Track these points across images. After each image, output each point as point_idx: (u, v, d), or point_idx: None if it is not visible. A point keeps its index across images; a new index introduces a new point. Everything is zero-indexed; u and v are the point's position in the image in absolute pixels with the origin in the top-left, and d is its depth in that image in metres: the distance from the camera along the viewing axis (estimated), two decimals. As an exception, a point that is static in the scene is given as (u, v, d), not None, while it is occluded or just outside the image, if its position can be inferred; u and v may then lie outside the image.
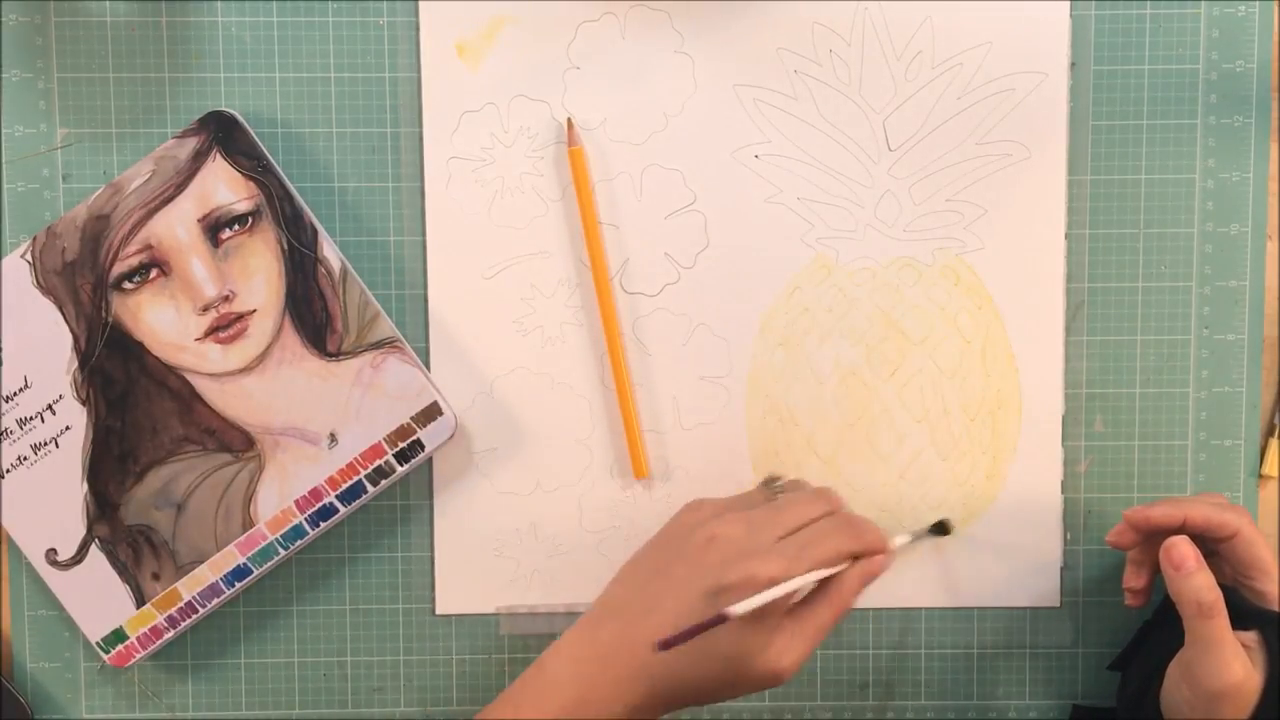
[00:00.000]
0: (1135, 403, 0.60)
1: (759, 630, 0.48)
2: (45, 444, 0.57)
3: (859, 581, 0.50)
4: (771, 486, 0.55)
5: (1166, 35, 0.58)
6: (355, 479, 0.58)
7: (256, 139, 0.57)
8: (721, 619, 0.45)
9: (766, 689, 0.50)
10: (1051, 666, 0.61)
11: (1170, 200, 0.59)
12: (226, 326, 0.57)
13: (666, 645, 0.45)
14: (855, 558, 0.50)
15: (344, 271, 0.57)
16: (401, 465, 0.58)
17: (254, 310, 0.57)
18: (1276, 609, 0.53)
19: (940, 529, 0.59)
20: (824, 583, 0.49)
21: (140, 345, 0.57)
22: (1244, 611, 0.52)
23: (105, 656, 0.58)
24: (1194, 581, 0.51)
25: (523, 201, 0.59)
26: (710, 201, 0.59)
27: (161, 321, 0.57)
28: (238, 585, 0.58)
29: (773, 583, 0.47)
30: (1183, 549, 0.52)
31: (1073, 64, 0.59)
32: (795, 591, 0.48)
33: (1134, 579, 0.57)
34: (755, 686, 0.49)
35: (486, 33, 0.58)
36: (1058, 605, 0.61)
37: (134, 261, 0.57)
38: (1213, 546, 0.54)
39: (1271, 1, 0.59)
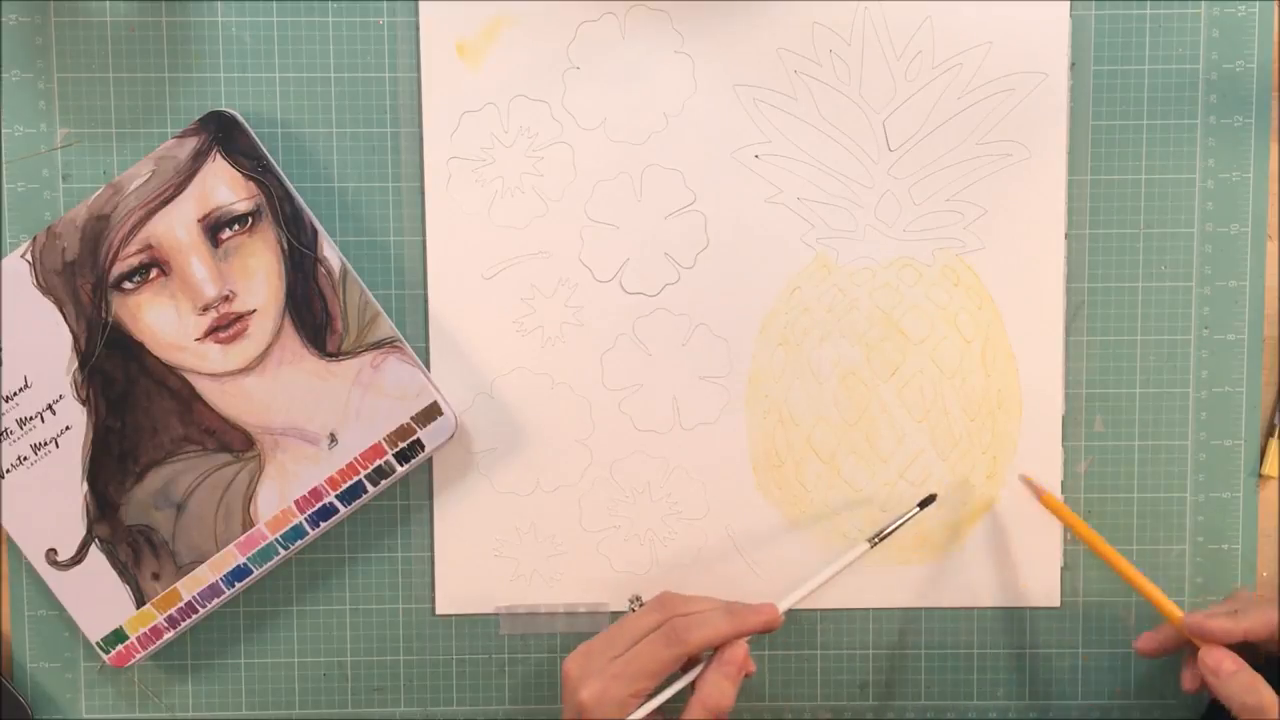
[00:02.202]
0: (1135, 403, 0.60)
1: None
2: (45, 444, 0.57)
3: (717, 673, 0.51)
4: (631, 606, 0.57)
5: (1166, 35, 0.58)
6: (355, 479, 0.58)
7: (256, 139, 0.57)
8: None
9: None
10: (1051, 666, 0.61)
11: (1170, 200, 0.59)
12: (226, 326, 0.57)
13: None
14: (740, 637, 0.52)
15: (344, 271, 0.57)
16: (401, 465, 0.58)
17: (254, 310, 0.57)
18: None
19: (927, 501, 0.59)
20: (695, 685, 0.52)
21: (140, 345, 0.57)
22: None
23: (105, 656, 0.58)
24: (1236, 683, 0.51)
25: (523, 201, 0.59)
26: (710, 201, 0.59)
27: (161, 321, 0.57)
28: (238, 585, 0.58)
29: (595, 700, 0.50)
30: (1211, 660, 0.52)
31: (1073, 64, 0.59)
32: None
33: (1190, 681, 0.55)
34: None
35: (486, 33, 0.58)
36: (1058, 605, 0.61)
37: (134, 261, 0.57)
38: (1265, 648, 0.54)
39: (1271, 1, 0.59)
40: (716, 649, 0.53)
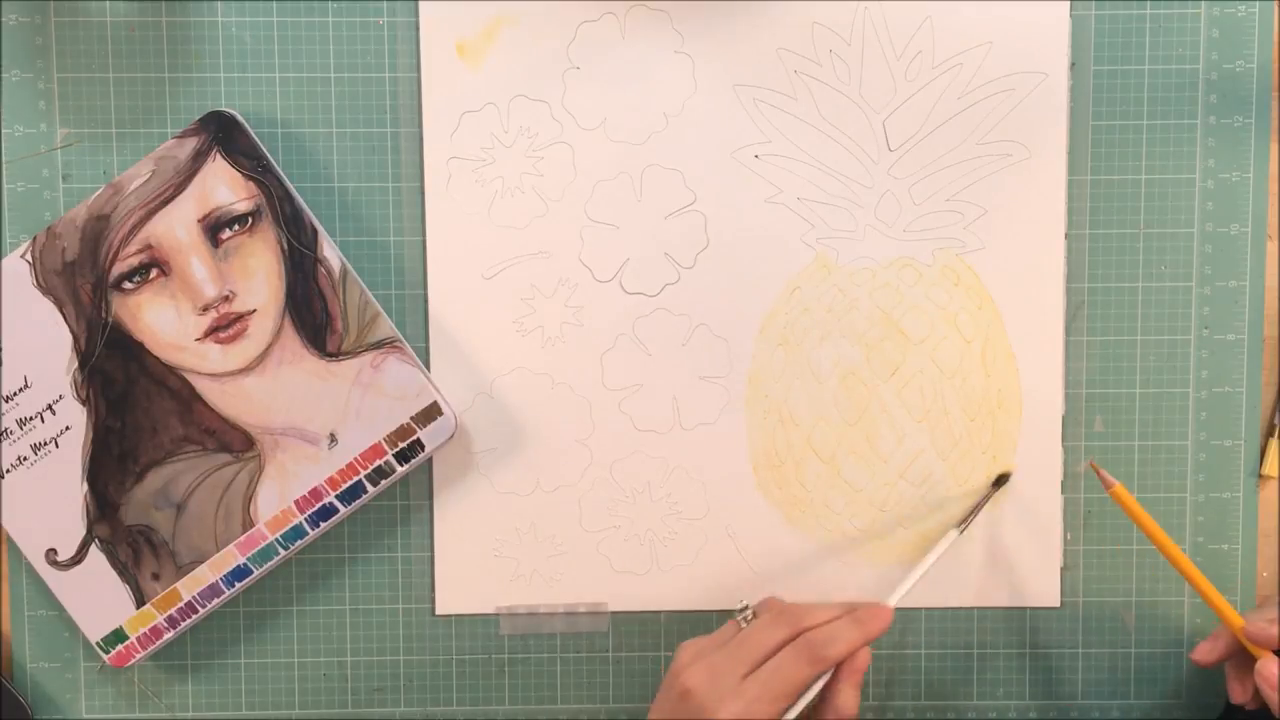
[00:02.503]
0: (1135, 403, 0.60)
1: None
2: (45, 444, 0.57)
3: (850, 684, 0.51)
4: (739, 617, 0.54)
5: (1166, 35, 0.58)
6: (355, 479, 0.58)
7: (256, 139, 0.57)
8: None
9: None
10: (1051, 666, 0.61)
11: (1170, 200, 0.59)
12: (226, 326, 0.57)
13: None
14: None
15: (344, 271, 0.57)
16: (401, 465, 0.58)
17: (254, 310, 0.57)
18: None
19: (1001, 480, 0.59)
20: (825, 695, 0.51)
21: (140, 345, 0.57)
22: None
23: (105, 656, 0.58)
24: None
25: (523, 201, 0.59)
26: (710, 201, 0.59)
27: (161, 321, 0.57)
28: (238, 585, 0.58)
29: None
30: (1270, 671, 0.51)
31: (1073, 64, 0.59)
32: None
33: (1240, 693, 0.55)
34: None
35: (486, 33, 0.58)
36: (1058, 605, 0.61)
37: (134, 261, 0.57)
38: None
39: (1271, 1, 0.59)
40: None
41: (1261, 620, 0.53)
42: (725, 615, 0.60)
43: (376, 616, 0.60)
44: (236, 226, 0.57)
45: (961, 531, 0.58)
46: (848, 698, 0.51)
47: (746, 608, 0.54)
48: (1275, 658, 0.52)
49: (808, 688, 0.50)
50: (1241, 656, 0.55)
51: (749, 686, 0.49)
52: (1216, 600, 0.54)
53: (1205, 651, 0.55)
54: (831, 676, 0.51)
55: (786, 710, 0.50)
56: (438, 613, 0.60)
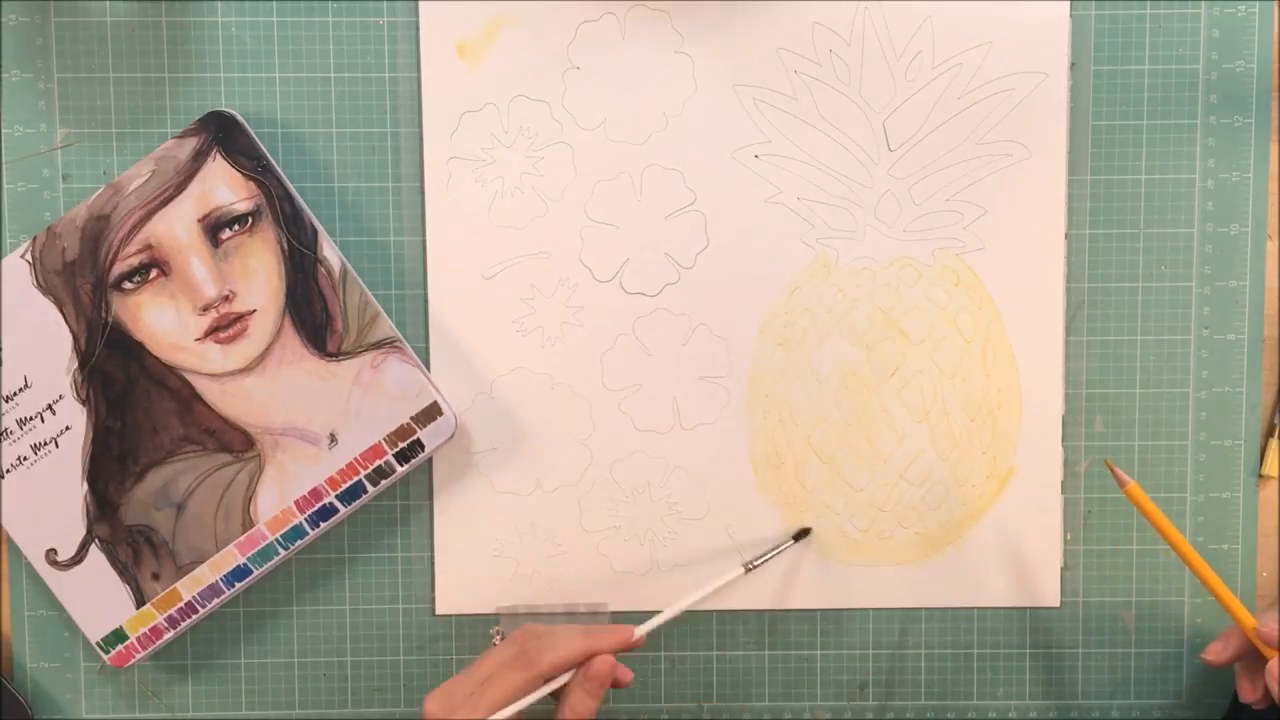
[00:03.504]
0: (1135, 403, 0.60)
1: None
2: (45, 444, 0.57)
3: (581, 689, 0.52)
4: (493, 638, 0.57)
5: (1166, 35, 0.58)
6: (355, 479, 0.58)
7: (256, 139, 0.57)
8: None
9: None
10: (1051, 666, 0.61)
11: (1170, 200, 0.59)
12: (226, 326, 0.57)
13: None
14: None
15: (344, 271, 0.57)
16: (401, 465, 0.58)
17: (254, 310, 0.57)
18: None
19: (802, 534, 0.60)
20: (559, 698, 0.53)
21: (140, 345, 0.57)
22: None
23: (105, 656, 0.58)
24: None
25: (523, 201, 0.59)
26: (710, 201, 0.59)
27: (161, 321, 0.57)
28: (238, 585, 0.58)
29: None
30: None
31: (1073, 64, 0.59)
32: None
33: (1250, 693, 0.55)
34: None
35: (486, 33, 0.58)
36: (1058, 605, 0.61)
37: (134, 261, 0.57)
38: None
39: (1271, 1, 0.59)
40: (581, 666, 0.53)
41: (1273, 621, 0.54)
42: (725, 615, 0.61)
43: (376, 616, 0.60)
44: (236, 226, 0.57)
45: (747, 571, 0.58)
46: (578, 700, 0.52)
47: (498, 632, 0.56)
48: None
49: (526, 695, 0.52)
50: (1252, 657, 0.55)
51: (470, 700, 0.51)
52: (1229, 600, 0.54)
53: (1216, 652, 0.56)
54: (570, 681, 0.53)
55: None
56: (438, 613, 0.60)
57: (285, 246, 0.57)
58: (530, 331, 0.59)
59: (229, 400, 0.57)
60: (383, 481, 0.58)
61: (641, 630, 0.54)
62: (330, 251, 0.57)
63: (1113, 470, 0.55)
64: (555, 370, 0.59)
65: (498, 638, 0.56)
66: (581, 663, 0.53)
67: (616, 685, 0.54)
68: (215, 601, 0.58)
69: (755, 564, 0.58)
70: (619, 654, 0.53)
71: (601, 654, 0.53)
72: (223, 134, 0.56)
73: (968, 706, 0.61)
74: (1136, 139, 0.59)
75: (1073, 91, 0.59)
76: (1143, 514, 0.55)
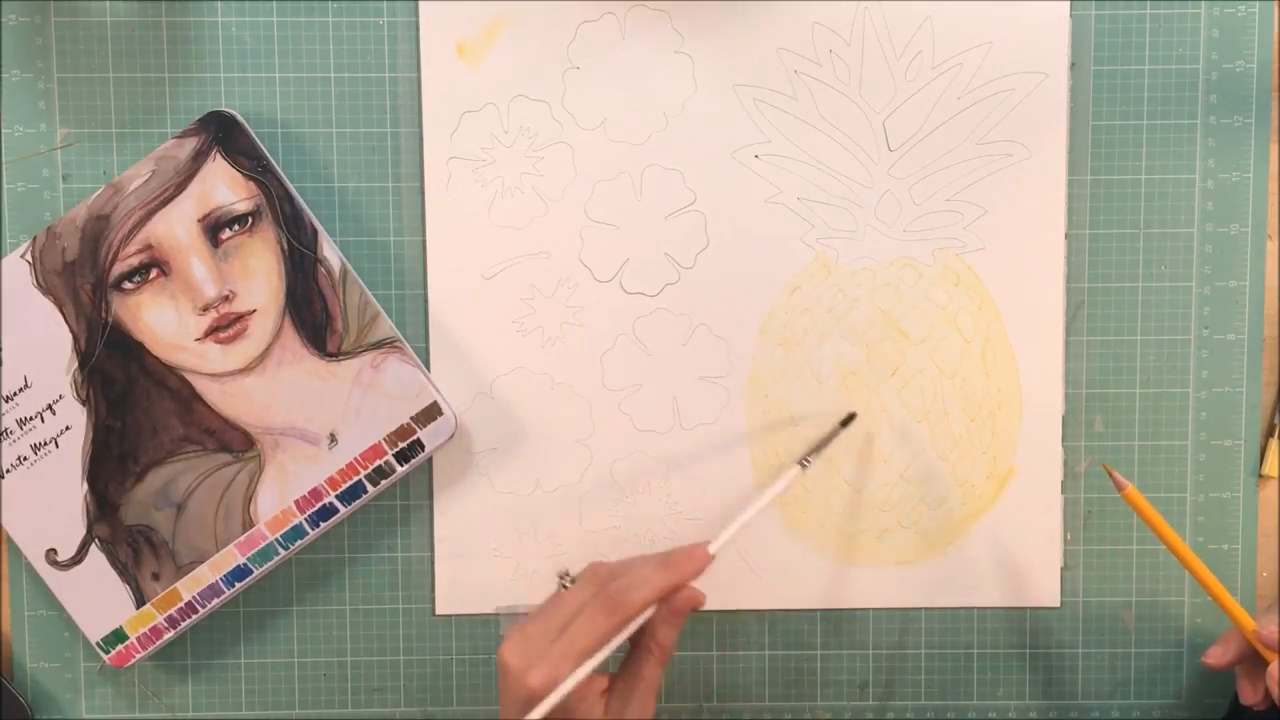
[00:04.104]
0: (1135, 403, 0.60)
1: (581, 714, 0.50)
2: (45, 444, 0.57)
3: (666, 625, 0.51)
4: (561, 582, 0.54)
5: (1166, 35, 0.58)
6: (355, 479, 0.58)
7: (256, 139, 0.57)
8: None
9: None
10: (1051, 666, 0.61)
11: (1170, 200, 0.59)
12: (226, 326, 0.57)
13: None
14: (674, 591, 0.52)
15: (344, 271, 0.57)
16: (401, 465, 0.58)
17: (254, 310, 0.57)
18: None
19: (848, 420, 0.59)
20: (641, 633, 0.51)
21: (140, 345, 0.57)
22: None
23: (105, 656, 0.58)
24: None
25: (523, 201, 0.59)
26: (710, 201, 0.59)
27: (161, 321, 0.57)
28: (238, 585, 0.58)
29: (546, 686, 0.49)
30: None
31: (1073, 64, 0.59)
32: (611, 659, 0.51)
33: (1250, 695, 0.55)
34: None
35: (486, 33, 0.58)
36: (1058, 605, 0.61)
37: (134, 261, 0.57)
38: None
39: (1271, 1, 0.59)
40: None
41: (1273, 624, 0.54)
42: (725, 615, 0.61)
43: (376, 616, 0.60)
44: (236, 226, 0.57)
45: (804, 468, 0.57)
46: (665, 635, 0.51)
47: (567, 574, 0.54)
48: None
49: (614, 638, 0.50)
50: (1252, 659, 0.55)
51: (555, 648, 0.50)
52: (1229, 603, 0.54)
53: (1216, 655, 0.55)
54: (654, 616, 0.51)
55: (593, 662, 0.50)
56: (438, 613, 0.60)
57: (285, 246, 0.57)
58: (530, 331, 0.59)
59: (229, 400, 0.57)
60: (383, 481, 0.58)
61: (713, 548, 0.53)
62: (330, 251, 0.57)
63: (1110, 474, 0.55)
64: (555, 370, 0.59)
65: (567, 581, 0.53)
66: (665, 597, 0.51)
67: (694, 610, 0.53)
68: (215, 601, 0.58)
69: (810, 459, 0.57)
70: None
71: (684, 584, 0.51)
72: (223, 134, 0.56)
73: (968, 706, 0.61)
74: (1136, 139, 0.59)
75: (1073, 91, 0.59)
76: (1141, 517, 0.55)
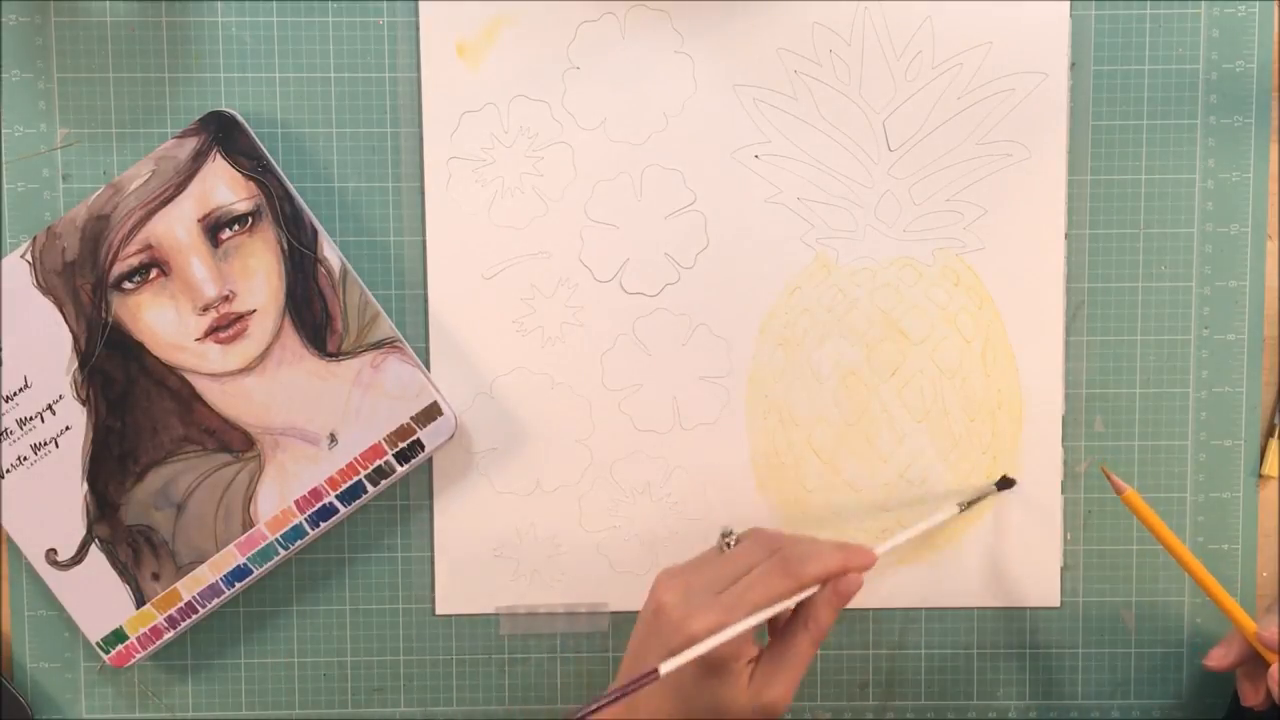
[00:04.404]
0: (1135, 403, 0.60)
1: (728, 674, 0.49)
2: (45, 444, 0.57)
3: (829, 606, 0.50)
4: (724, 540, 0.54)
5: (1166, 35, 0.58)
6: (355, 479, 0.58)
7: (256, 139, 0.57)
8: (652, 675, 0.47)
9: None
10: (1051, 666, 0.61)
11: (1170, 200, 0.59)
12: (226, 326, 0.57)
13: (579, 715, 0.46)
14: (839, 575, 0.51)
15: (344, 271, 0.57)
16: (401, 465, 0.58)
17: (254, 310, 0.57)
18: None
19: (1005, 483, 0.59)
20: (799, 611, 0.51)
21: (140, 345, 0.57)
22: None
23: (105, 656, 0.58)
24: None
25: (523, 201, 0.59)
26: (710, 201, 0.59)
27: (161, 321, 0.57)
28: (238, 585, 0.58)
29: (710, 634, 0.48)
30: None
31: (1073, 64, 0.59)
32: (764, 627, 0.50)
33: (1252, 696, 0.55)
34: None
35: (486, 33, 0.58)
36: (1058, 605, 0.61)
37: (134, 261, 0.57)
38: None
39: (1271, 1, 0.59)
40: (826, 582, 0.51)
41: (1273, 625, 0.54)
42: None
43: (376, 616, 0.60)
44: (236, 226, 0.57)
45: (961, 511, 0.58)
46: (825, 616, 0.51)
47: (731, 532, 0.54)
48: None
49: (783, 602, 0.50)
50: (1254, 660, 0.55)
51: (722, 599, 0.49)
52: (1229, 605, 0.54)
53: (1219, 657, 0.56)
54: (818, 595, 0.51)
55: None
56: (438, 613, 0.60)
57: (285, 246, 0.57)
58: (530, 331, 0.59)
59: (229, 400, 0.57)
60: (383, 481, 0.58)
61: (879, 551, 0.53)
62: (330, 251, 0.57)
63: (1109, 477, 0.55)
64: (555, 370, 0.59)
65: (731, 540, 0.53)
66: (834, 577, 0.51)
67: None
68: (215, 601, 0.58)
69: (969, 505, 0.58)
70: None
71: (854, 572, 0.51)
72: (223, 134, 0.56)
73: (968, 706, 0.61)
74: (1136, 139, 0.59)
75: (1073, 91, 0.59)
76: (1140, 520, 0.55)
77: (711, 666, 0.49)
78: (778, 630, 0.52)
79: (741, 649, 0.50)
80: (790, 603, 0.50)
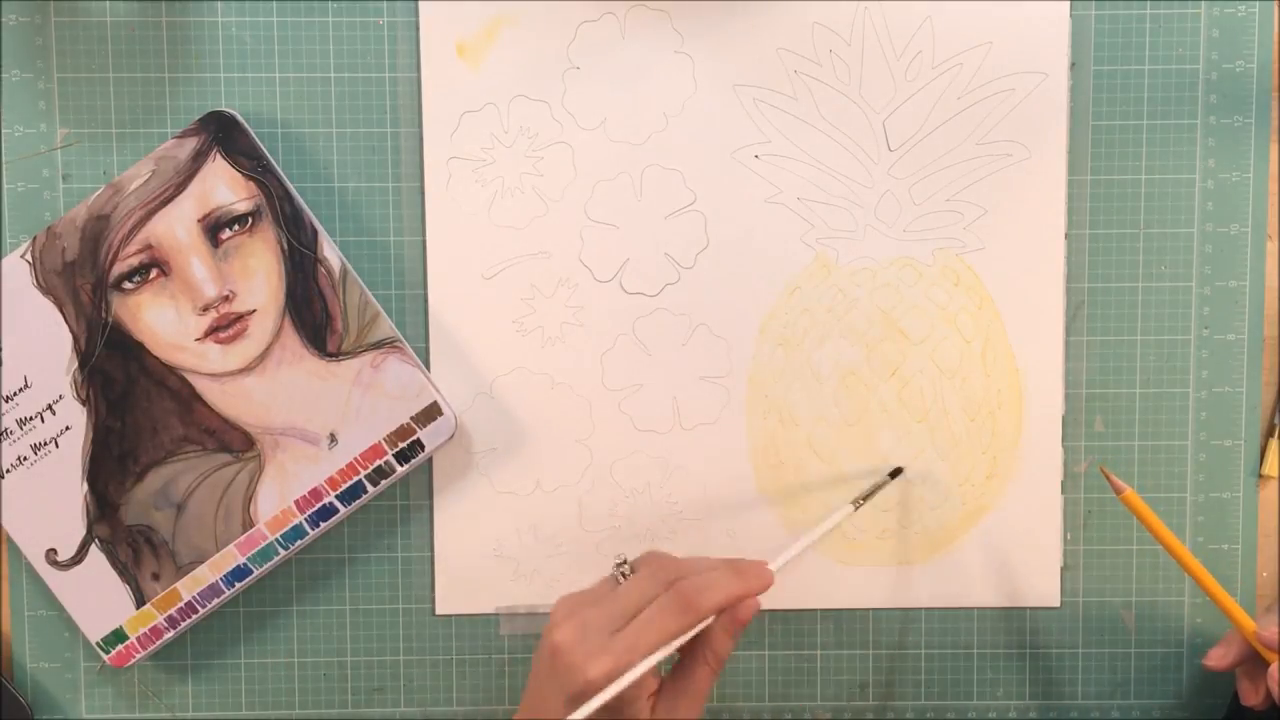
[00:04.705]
0: (1135, 403, 0.60)
1: (629, 712, 0.49)
2: (45, 444, 0.57)
3: (727, 634, 0.50)
4: (616, 572, 0.52)
5: (1166, 35, 0.58)
6: (355, 479, 0.58)
7: (256, 139, 0.57)
8: None
9: None
10: (1051, 666, 0.61)
11: (1170, 200, 0.59)
12: (226, 326, 0.57)
13: None
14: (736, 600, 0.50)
15: (344, 271, 0.57)
16: (401, 465, 0.58)
17: (254, 310, 0.57)
18: None
19: (895, 473, 0.58)
20: (698, 640, 0.50)
21: (140, 345, 0.57)
22: None
23: (105, 656, 0.58)
24: None
25: (523, 201, 0.59)
26: (710, 201, 0.59)
27: (161, 321, 0.57)
28: (238, 585, 0.58)
29: (608, 680, 0.47)
30: None
31: (1073, 64, 0.59)
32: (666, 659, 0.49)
33: (1251, 696, 0.55)
34: None
35: (486, 33, 0.58)
36: (1058, 605, 0.61)
37: (134, 261, 0.57)
38: None
39: (1271, 1, 0.59)
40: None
41: (1273, 625, 0.54)
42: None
43: (376, 616, 0.60)
44: (236, 226, 0.57)
45: (857, 508, 0.56)
46: (722, 644, 0.50)
47: (625, 562, 0.52)
48: None
49: (681, 638, 0.49)
50: (1253, 660, 0.55)
51: (619, 641, 0.48)
52: (1229, 605, 0.54)
53: (1218, 657, 0.56)
54: (714, 624, 0.50)
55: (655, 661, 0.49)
56: (438, 613, 0.60)
57: (285, 246, 0.57)
58: (530, 331, 0.59)
59: (229, 400, 0.57)
60: (383, 481, 0.58)
61: (774, 568, 0.52)
62: (330, 251, 0.57)
63: (1108, 477, 0.55)
64: (555, 370, 0.59)
65: (625, 570, 0.52)
66: (731, 605, 0.50)
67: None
68: (215, 601, 0.58)
69: (862, 501, 0.56)
70: None
71: (752, 596, 0.50)
72: (223, 134, 0.56)
73: (968, 706, 0.61)
74: (1136, 139, 0.59)
75: (1073, 91, 0.59)
76: (1140, 520, 0.55)
77: (612, 708, 0.48)
78: (681, 658, 0.51)
79: (641, 687, 0.49)
80: (688, 636, 0.49)
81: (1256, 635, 0.54)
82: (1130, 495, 0.55)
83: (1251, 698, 0.55)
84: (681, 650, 0.50)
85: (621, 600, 0.49)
